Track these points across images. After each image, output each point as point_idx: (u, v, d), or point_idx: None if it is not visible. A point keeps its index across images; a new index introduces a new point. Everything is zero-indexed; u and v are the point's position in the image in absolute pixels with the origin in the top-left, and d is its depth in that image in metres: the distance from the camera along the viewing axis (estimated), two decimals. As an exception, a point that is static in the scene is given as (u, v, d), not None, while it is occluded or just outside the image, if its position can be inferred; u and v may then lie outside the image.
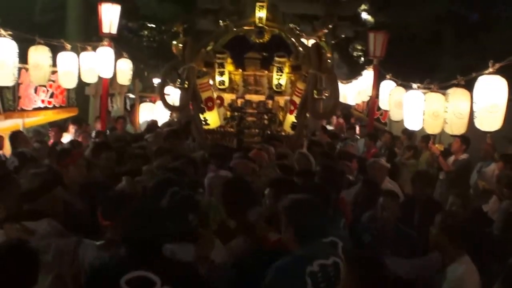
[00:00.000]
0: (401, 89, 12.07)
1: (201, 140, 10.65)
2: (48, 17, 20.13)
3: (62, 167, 6.75)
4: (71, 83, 12.92)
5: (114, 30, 13.40)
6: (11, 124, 12.47)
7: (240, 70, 11.18)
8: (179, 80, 10.38)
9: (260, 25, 11.03)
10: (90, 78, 13.33)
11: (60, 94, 14.55)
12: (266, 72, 11.11)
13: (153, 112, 17.99)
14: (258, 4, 10.74)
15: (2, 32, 9.73)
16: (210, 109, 10.88)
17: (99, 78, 13.60)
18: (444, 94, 9.37)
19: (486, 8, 25.67)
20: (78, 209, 5.68)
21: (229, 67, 11.02)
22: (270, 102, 11.15)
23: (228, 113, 11.25)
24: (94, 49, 13.17)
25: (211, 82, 11.09)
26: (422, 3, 23.96)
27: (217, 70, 10.88)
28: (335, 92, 10.56)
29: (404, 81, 12.30)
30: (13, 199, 5.04)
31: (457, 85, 8.94)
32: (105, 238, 4.55)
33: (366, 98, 16.75)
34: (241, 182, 5.69)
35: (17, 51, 10.01)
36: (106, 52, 13.21)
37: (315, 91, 10.03)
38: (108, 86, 14.22)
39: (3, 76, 9.90)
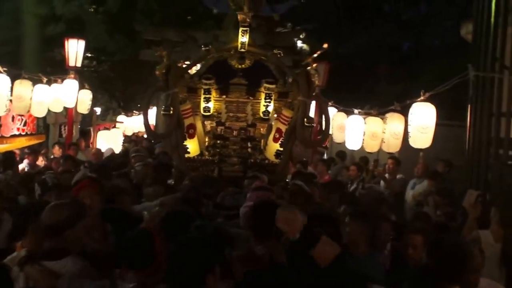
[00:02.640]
0: (342, 114, 12.86)
1: (183, 168, 10.19)
2: (4, 50, 20.45)
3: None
4: (42, 112, 13.53)
5: (79, 64, 14.26)
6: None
7: (224, 96, 10.67)
8: (163, 106, 10.09)
9: (243, 50, 10.40)
10: (56, 107, 13.91)
11: (31, 122, 15.27)
12: (251, 98, 10.65)
13: (109, 139, 18.03)
14: (241, 29, 10.18)
15: (-1, 68, 10.44)
16: (191, 136, 10.46)
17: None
18: (382, 118, 10.52)
19: (417, 39, 27.11)
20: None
21: (212, 93, 10.52)
22: (251, 129, 10.74)
23: (208, 140, 10.81)
24: (62, 80, 13.86)
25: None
26: (357, 34, 25.18)
27: (203, 96, 10.43)
28: (326, 120, 10.49)
29: (345, 107, 13.02)
30: (39, 233, 4.53)
31: (394, 110, 10.10)
32: (136, 280, 4.02)
33: (307, 124, 17.58)
34: (273, 206, 5.01)
35: (10, 85, 10.86)
36: (71, 83, 13.89)
37: (305, 119, 9.91)
38: (72, 115, 15.03)
39: (-3, 107, 10.68)
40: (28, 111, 13.09)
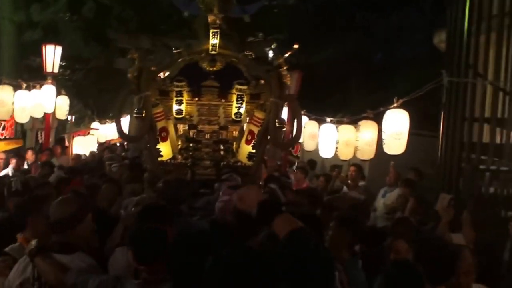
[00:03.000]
0: (314, 122, 12.79)
1: (156, 171, 10.00)
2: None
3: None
4: (25, 118, 13.80)
5: (56, 69, 14.34)
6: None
7: (196, 99, 10.43)
8: (136, 109, 9.86)
9: (213, 52, 10.13)
10: (37, 113, 14.11)
11: (10, 127, 15.51)
12: (223, 101, 10.48)
13: (84, 146, 17.95)
14: (212, 30, 9.89)
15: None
16: (164, 139, 10.29)
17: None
18: (355, 126, 10.62)
19: (388, 49, 27.42)
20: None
21: (184, 95, 10.32)
22: (224, 132, 10.60)
23: (181, 143, 10.69)
24: (40, 86, 13.96)
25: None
26: (329, 44, 25.37)
27: (175, 98, 10.24)
28: (298, 121, 10.31)
29: (317, 116, 12.99)
30: (43, 227, 4.64)
31: (366, 118, 10.21)
32: (141, 278, 4.10)
33: (277, 133, 17.57)
34: None
35: None
36: (49, 89, 13.98)
37: (277, 120, 9.77)
38: (50, 120, 15.04)
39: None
40: (11, 116, 13.33)
